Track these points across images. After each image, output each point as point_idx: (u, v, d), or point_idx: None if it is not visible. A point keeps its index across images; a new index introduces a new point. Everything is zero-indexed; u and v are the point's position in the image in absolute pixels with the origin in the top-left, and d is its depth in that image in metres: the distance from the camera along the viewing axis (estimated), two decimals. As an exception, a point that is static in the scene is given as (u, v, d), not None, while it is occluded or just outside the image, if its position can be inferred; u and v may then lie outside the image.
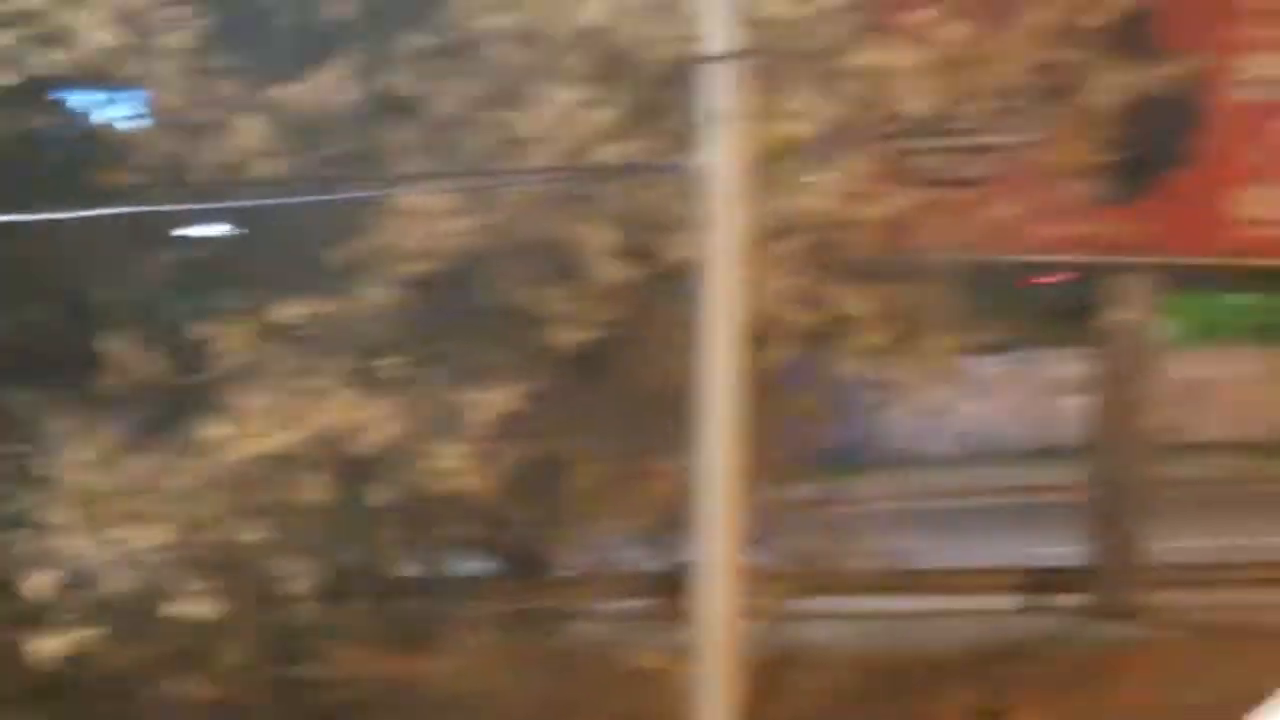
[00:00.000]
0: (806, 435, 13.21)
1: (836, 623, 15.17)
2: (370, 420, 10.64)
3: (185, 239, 12.43)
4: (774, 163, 10.47)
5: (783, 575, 11.83)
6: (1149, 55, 16.29)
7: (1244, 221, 17.20)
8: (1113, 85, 13.93)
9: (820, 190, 11.39)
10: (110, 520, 10.51)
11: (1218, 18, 16.99)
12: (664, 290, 10.55)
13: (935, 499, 24.63)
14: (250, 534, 10.73)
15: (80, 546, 10.42)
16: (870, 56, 11.78)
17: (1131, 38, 15.82)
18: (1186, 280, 21.43)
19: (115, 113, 12.02)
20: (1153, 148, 16.87)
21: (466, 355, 11.22)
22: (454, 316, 11.36)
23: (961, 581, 18.56)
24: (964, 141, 15.01)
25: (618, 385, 11.66)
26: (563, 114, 10.57)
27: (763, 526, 10.75)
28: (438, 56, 11.38)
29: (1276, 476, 29.37)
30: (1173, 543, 20.59)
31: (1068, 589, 18.52)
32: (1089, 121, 13.86)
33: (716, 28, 9.14)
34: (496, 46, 11.23)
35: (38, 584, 10.38)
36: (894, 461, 25.92)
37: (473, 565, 13.50)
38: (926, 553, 17.22)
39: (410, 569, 12.70)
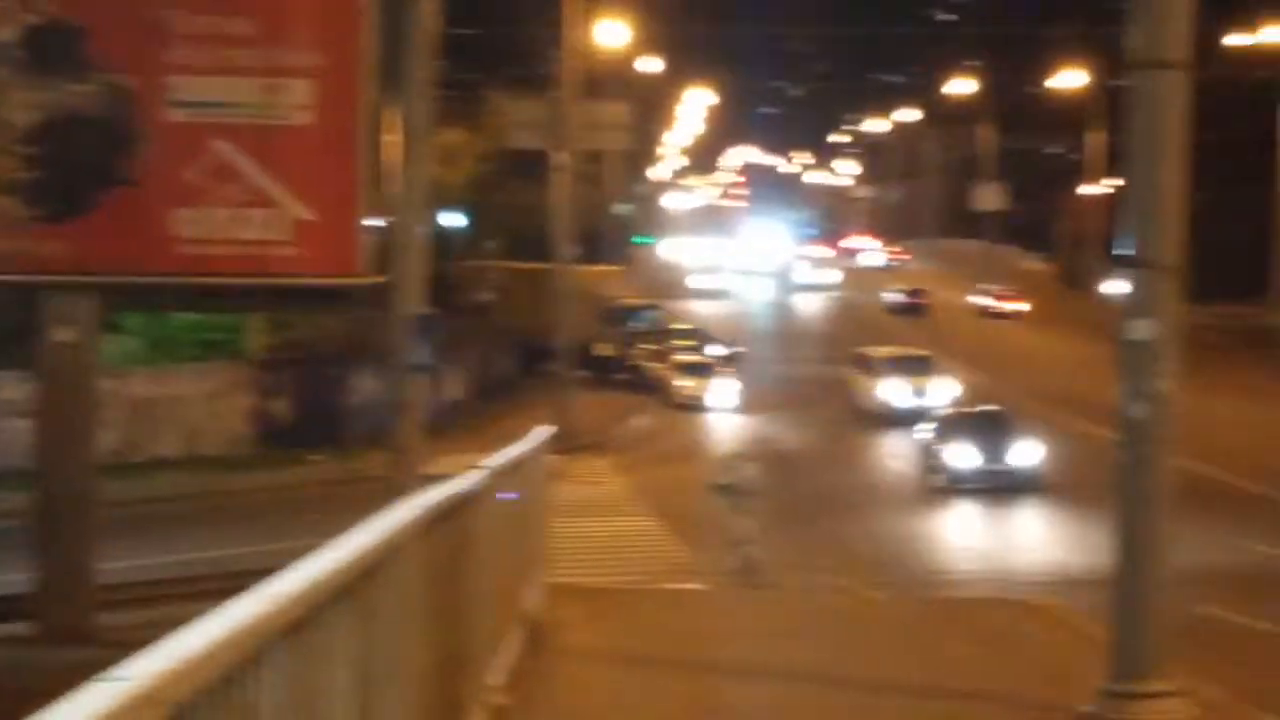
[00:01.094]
0: None
1: None
2: None
3: None
4: None
5: None
6: (79, 73, 16.13)
7: (184, 240, 17.37)
8: (34, 102, 13.62)
9: None
10: None
11: (149, 40, 17.07)
12: None
13: None
14: None
15: None
16: None
17: (59, 55, 15.60)
18: (134, 299, 21.44)
19: None
20: (87, 166, 16.70)
21: None
22: None
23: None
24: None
25: None
26: None
27: None
28: None
29: (228, 491, 30.23)
30: (127, 561, 20.57)
31: (15, 616, 17.99)
32: (10, 138, 13.47)
33: None
34: None
35: None
36: None
37: None
38: None
39: None
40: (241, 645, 3.59)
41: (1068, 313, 69.28)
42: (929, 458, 32.82)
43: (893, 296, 76.22)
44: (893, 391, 43.59)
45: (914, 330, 66.42)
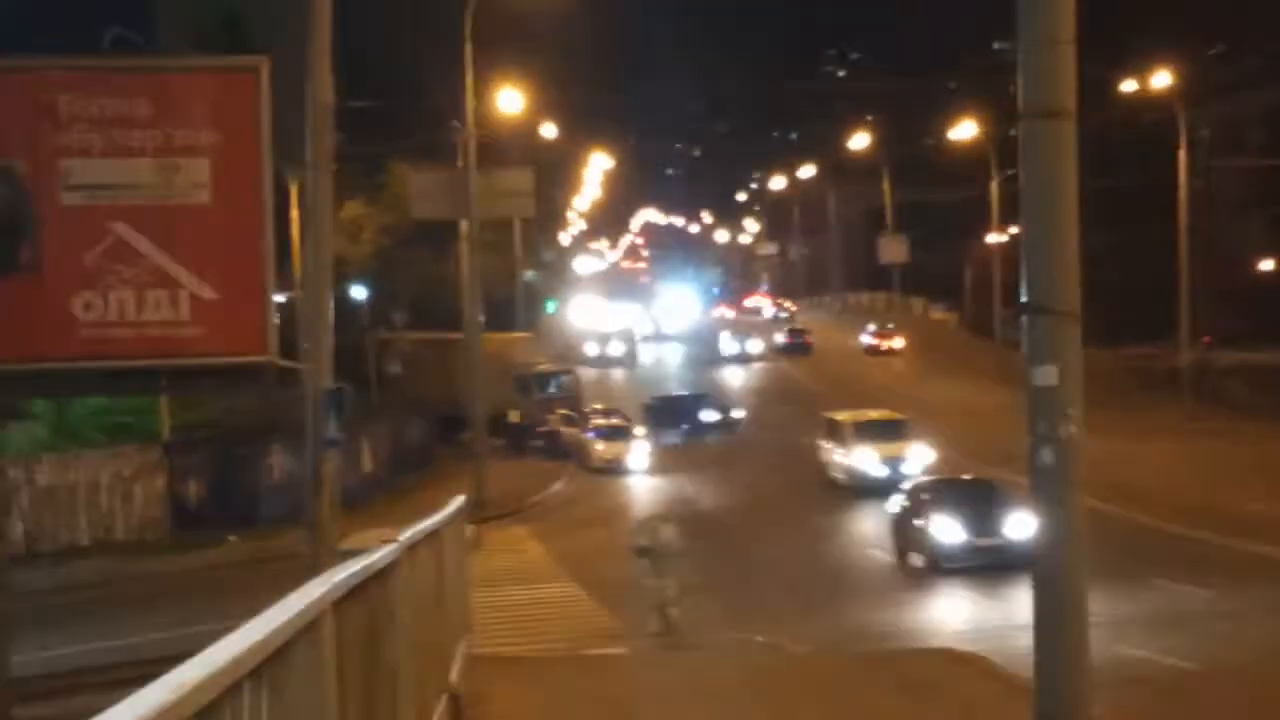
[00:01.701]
0: None
1: None
2: None
3: None
4: None
5: None
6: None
7: (84, 324, 17.17)
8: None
9: None
10: None
11: (41, 124, 16.92)
12: None
13: None
14: None
15: None
16: None
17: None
18: (37, 386, 21.11)
19: None
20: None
21: None
22: None
23: None
24: None
25: None
26: None
27: None
28: None
29: (142, 576, 29.81)
30: (42, 653, 20.20)
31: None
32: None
33: None
34: None
35: None
36: None
37: None
38: None
39: None
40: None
41: (974, 361, 69.77)
42: (905, 533, 29.38)
43: (781, 339, 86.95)
44: (863, 459, 39.97)
45: (811, 376, 66.93)
